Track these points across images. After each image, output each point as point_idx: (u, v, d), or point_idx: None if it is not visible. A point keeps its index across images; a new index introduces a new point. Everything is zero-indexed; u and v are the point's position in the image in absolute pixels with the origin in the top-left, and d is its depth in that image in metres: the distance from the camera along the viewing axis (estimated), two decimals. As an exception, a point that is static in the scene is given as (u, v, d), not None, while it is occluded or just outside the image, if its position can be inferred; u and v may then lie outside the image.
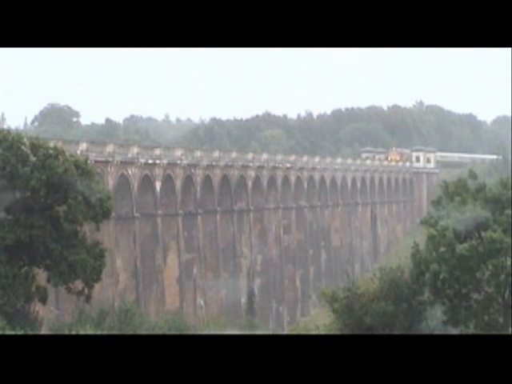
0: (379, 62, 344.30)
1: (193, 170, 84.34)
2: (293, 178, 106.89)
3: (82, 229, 43.44)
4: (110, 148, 72.09)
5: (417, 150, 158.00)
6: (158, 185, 77.66)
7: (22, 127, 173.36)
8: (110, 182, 69.35)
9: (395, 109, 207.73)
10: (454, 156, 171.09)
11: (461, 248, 33.66)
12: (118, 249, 71.60)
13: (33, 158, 41.53)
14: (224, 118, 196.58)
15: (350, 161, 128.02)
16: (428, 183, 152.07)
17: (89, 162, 47.91)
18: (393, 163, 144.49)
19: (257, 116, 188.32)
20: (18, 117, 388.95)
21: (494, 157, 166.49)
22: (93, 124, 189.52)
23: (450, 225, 34.55)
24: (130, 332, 42.18)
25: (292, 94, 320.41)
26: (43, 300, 42.60)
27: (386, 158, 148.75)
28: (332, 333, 34.57)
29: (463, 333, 33.82)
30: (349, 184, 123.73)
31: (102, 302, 50.84)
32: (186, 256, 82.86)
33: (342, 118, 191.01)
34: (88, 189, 41.53)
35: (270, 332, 65.28)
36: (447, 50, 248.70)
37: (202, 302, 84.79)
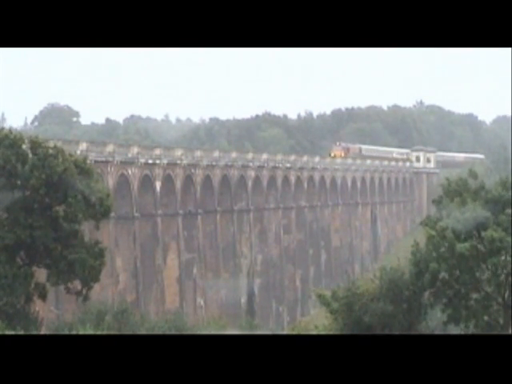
0: (379, 61, 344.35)
1: (193, 170, 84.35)
2: (293, 178, 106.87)
3: (81, 228, 43.43)
4: (109, 148, 72.08)
5: (417, 150, 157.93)
6: (158, 185, 77.66)
7: (22, 127, 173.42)
8: (110, 181, 69.35)
9: (395, 109, 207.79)
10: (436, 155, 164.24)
11: (461, 247, 33.64)
12: (117, 249, 71.59)
13: (32, 157, 41.54)
14: (224, 118, 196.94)
15: (349, 161, 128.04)
16: (428, 183, 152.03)
17: (88, 161, 47.89)
18: (338, 160, 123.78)
19: (257, 116, 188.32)
20: (18, 117, 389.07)
21: (480, 156, 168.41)
22: (93, 124, 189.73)
23: (449, 225, 34.53)
24: (129, 332, 42.16)
25: (292, 94, 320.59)
26: (43, 297, 42.58)
27: (329, 155, 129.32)
28: (332, 333, 34.57)
29: (463, 333, 33.81)
30: (349, 184, 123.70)
31: (102, 302, 50.81)
32: (186, 256, 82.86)
33: (342, 118, 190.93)
34: (87, 188, 41.54)
35: (270, 332, 65.27)
36: (447, 50, 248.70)
37: (202, 302, 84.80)
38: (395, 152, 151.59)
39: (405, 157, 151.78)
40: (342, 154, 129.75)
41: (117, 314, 45.28)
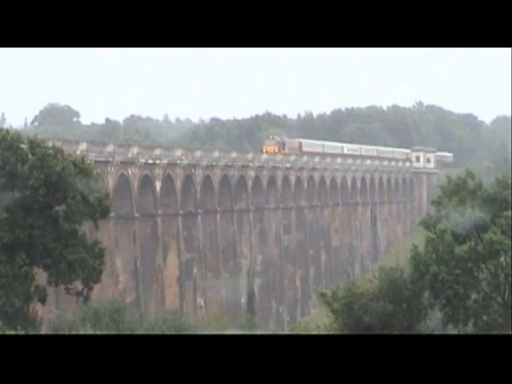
0: (379, 61, 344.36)
1: (193, 170, 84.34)
2: (293, 178, 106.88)
3: (81, 228, 43.42)
4: (110, 148, 72.08)
5: (417, 150, 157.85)
6: (158, 185, 77.66)
7: (22, 127, 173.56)
8: (110, 181, 69.33)
9: (395, 109, 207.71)
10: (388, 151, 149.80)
11: (460, 250, 33.68)
12: (117, 249, 71.58)
13: (31, 157, 41.52)
14: (224, 118, 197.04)
15: (350, 161, 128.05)
16: (428, 183, 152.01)
17: (88, 161, 47.87)
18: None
19: (257, 116, 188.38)
20: (18, 117, 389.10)
21: (448, 154, 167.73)
22: (93, 124, 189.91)
23: (448, 227, 34.56)
24: (128, 331, 42.16)
25: (292, 94, 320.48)
26: (42, 300, 42.58)
27: (261, 151, 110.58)
28: (332, 333, 34.58)
29: (462, 333, 33.82)
30: (349, 184, 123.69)
31: (102, 303, 50.80)
32: (186, 256, 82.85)
33: (342, 118, 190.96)
34: (86, 187, 41.53)
35: (270, 332, 65.25)
36: (447, 50, 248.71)
37: (202, 302, 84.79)
38: (346, 148, 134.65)
39: (358, 153, 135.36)
40: (276, 150, 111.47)
41: (112, 314, 45.23)
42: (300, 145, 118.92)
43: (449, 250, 34.05)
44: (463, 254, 33.64)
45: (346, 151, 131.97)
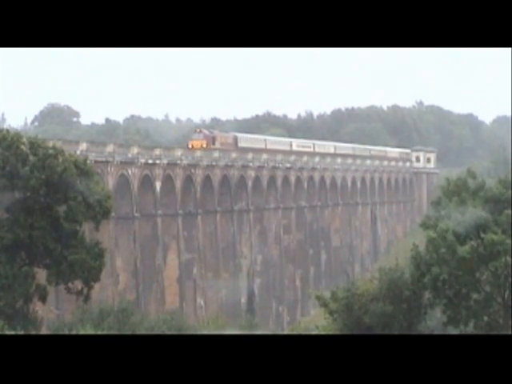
0: (379, 61, 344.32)
1: (193, 170, 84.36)
2: (293, 178, 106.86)
3: (81, 229, 43.46)
4: (110, 148, 72.12)
5: (417, 150, 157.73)
6: (157, 185, 77.69)
7: (22, 127, 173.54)
8: (110, 181, 69.35)
9: (395, 109, 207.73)
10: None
11: (461, 250, 33.63)
12: (117, 249, 71.60)
13: (32, 158, 41.54)
14: (224, 117, 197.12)
15: (349, 161, 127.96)
16: (428, 183, 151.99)
17: (88, 161, 47.89)
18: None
19: (257, 116, 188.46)
20: (18, 117, 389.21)
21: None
22: (93, 124, 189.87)
23: (450, 227, 34.52)
24: (129, 332, 42.18)
25: (292, 94, 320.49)
26: (43, 299, 42.61)
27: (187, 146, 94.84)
28: (332, 333, 34.56)
29: (463, 333, 33.80)
30: (349, 184, 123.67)
31: (102, 302, 50.83)
32: (186, 256, 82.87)
33: (342, 118, 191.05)
34: (87, 189, 41.57)
35: (270, 332, 65.27)
36: (447, 50, 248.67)
37: (202, 302, 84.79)
38: (295, 143, 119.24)
39: (311, 150, 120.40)
40: (204, 145, 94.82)
41: (118, 314, 45.36)
42: (235, 139, 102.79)
43: (450, 250, 34.01)
44: (465, 254, 33.60)
45: (294, 147, 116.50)
